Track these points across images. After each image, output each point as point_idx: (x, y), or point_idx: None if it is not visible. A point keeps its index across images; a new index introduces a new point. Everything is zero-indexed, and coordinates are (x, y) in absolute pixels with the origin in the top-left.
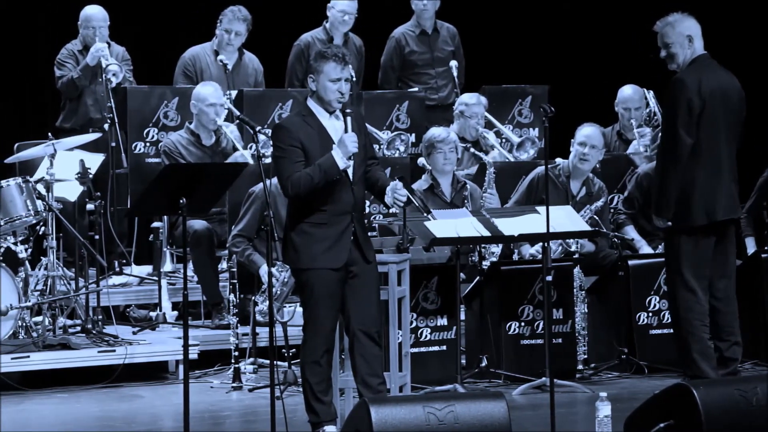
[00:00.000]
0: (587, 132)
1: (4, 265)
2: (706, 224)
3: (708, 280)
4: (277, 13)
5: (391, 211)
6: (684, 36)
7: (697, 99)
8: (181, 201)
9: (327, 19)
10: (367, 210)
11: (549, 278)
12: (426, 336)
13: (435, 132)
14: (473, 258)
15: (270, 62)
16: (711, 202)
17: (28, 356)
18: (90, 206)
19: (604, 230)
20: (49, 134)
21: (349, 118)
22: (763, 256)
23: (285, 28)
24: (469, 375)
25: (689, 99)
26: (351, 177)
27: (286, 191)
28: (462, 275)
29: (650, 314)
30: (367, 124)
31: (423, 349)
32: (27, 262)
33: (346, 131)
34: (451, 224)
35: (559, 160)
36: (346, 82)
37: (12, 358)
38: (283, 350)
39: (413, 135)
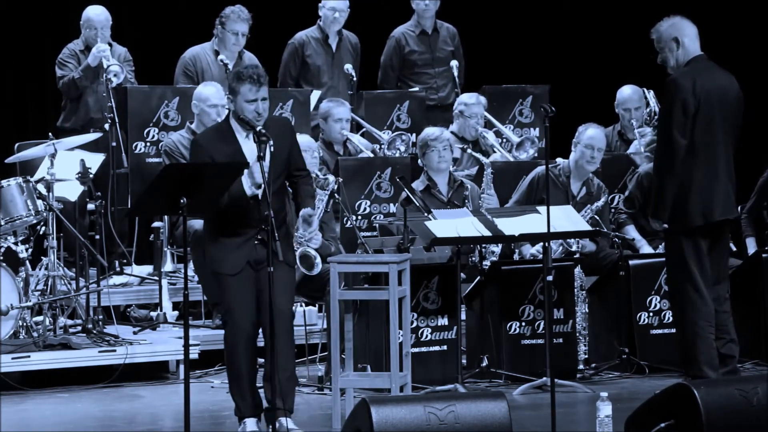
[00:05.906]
0: (593, 134)
1: (4, 265)
2: (702, 225)
3: (712, 280)
4: (272, 12)
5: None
6: (671, 39)
7: (692, 99)
8: (181, 201)
9: (321, 18)
10: (368, 210)
11: (550, 278)
12: (426, 336)
13: (428, 131)
14: (473, 258)
15: (267, 62)
16: (708, 202)
17: (29, 356)
18: (90, 206)
19: (605, 230)
20: (50, 134)
21: (266, 146)
22: (763, 256)
23: (281, 26)
24: (469, 375)
25: (683, 99)
26: (260, 196)
27: None
28: (462, 275)
29: (651, 314)
30: (367, 124)
31: (423, 349)
32: (27, 261)
33: (259, 158)
34: (451, 224)
35: (559, 160)
36: (263, 101)
37: (12, 358)
38: None
39: (414, 135)
